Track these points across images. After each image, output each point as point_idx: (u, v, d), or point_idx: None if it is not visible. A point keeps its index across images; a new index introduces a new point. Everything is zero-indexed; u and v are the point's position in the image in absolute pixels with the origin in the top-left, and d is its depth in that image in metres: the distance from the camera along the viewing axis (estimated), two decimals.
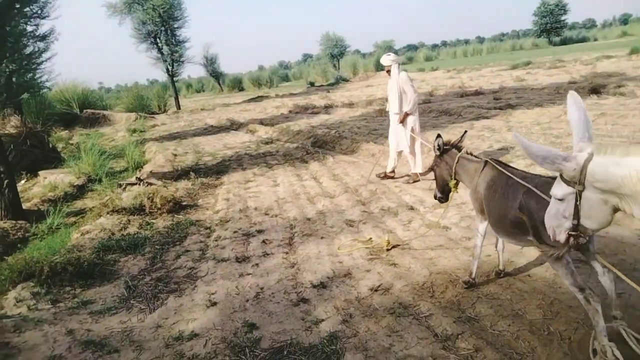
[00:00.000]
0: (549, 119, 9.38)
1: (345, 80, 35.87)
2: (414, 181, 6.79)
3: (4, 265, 4.63)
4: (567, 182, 1.99)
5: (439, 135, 3.60)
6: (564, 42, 55.02)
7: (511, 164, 3.29)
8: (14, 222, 6.71)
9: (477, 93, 15.35)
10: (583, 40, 55.71)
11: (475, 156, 3.47)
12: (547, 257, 2.61)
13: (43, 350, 3.28)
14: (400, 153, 6.96)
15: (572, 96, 2.11)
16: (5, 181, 7.02)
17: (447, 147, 3.58)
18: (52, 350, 3.26)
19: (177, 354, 3.14)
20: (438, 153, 3.61)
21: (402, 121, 6.68)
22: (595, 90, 11.63)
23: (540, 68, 21.23)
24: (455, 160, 3.47)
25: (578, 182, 1.93)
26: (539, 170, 4.50)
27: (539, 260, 3.77)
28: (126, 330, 3.51)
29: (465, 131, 3.82)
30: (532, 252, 3.89)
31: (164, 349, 3.22)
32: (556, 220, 2.14)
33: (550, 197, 2.17)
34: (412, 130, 6.69)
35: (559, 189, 2.06)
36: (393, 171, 7.14)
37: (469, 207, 5.27)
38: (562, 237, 2.15)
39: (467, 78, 22.16)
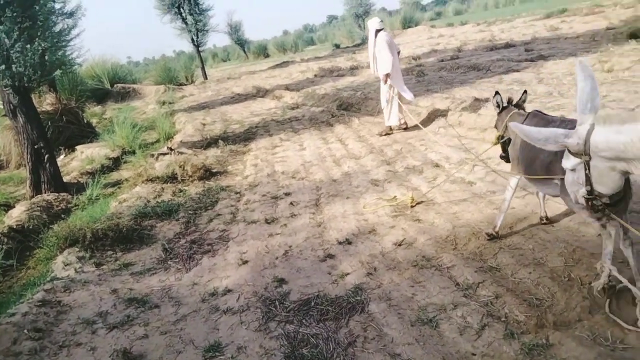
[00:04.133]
0: None
1: None
2: (386, 134, 7.47)
3: (51, 233, 4.96)
4: (574, 154, 2.07)
5: (497, 93, 3.55)
6: None
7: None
8: (56, 194, 7.09)
9: (508, 45, 14.79)
10: None
11: (524, 110, 3.46)
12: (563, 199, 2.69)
13: (91, 307, 3.56)
14: (400, 106, 7.39)
15: (581, 65, 2.11)
16: (46, 156, 7.38)
17: (506, 105, 3.55)
18: (99, 307, 3.55)
19: (212, 307, 3.37)
20: (498, 110, 3.59)
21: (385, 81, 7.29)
22: (634, 35, 11.01)
23: (576, 15, 20.10)
24: (509, 115, 3.43)
25: (584, 153, 2.01)
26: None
27: (563, 211, 3.77)
28: (165, 288, 3.76)
29: (525, 91, 3.76)
30: (556, 204, 3.87)
31: (201, 303, 3.45)
32: (574, 187, 2.25)
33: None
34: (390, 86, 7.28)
35: (568, 161, 2.15)
36: (405, 123, 7.63)
37: (495, 162, 5.23)
38: (582, 200, 2.26)
39: (498, 30, 21.28)
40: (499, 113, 3.60)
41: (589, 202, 2.21)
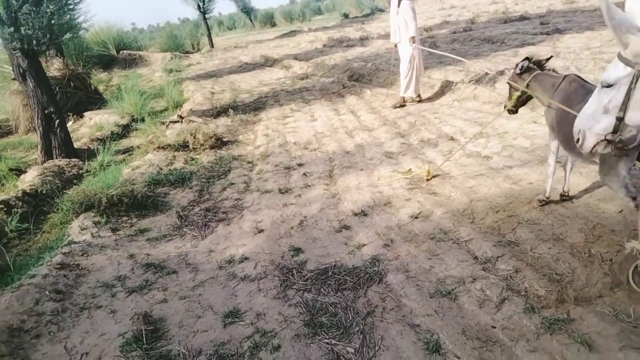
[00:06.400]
0: (600, 42, 8.80)
1: (381, 10, 34.23)
2: (400, 105, 7.41)
3: (66, 198, 4.98)
4: (627, 62, 1.81)
5: (526, 58, 3.44)
6: None
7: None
8: (67, 159, 7.09)
9: (523, 18, 14.46)
10: None
11: (556, 72, 3.36)
12: (600, 174, 2.63)
13: (109, 271, 3.60)
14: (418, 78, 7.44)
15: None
16: (57, 121, 7.36)
17: (531, 66, 3.43)
18: (117, 272, 3.58)
19: (230, 274, 3.39)
20: (519, 72, 3.46)
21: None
22: None
23: None
24: (531, 75, 3.35)
25: None
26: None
27: (582, 187, 3.73)
28: (182, 254, 3.79)
29: (551, 56, 3.66)
30: (575, 179, 3.84)
31: (218, 270, 3.48)
32: (591, 121, 2.00)
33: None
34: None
35: (613, 71, 1.88)
36: (418, 95, 7.60)
37: (511, 136, 5.19)
38: (589, 142, 2.02)
39: (512, 2, 20.75)
40: (519, 74, 3.47)
41: (601, 145, 2.00)
